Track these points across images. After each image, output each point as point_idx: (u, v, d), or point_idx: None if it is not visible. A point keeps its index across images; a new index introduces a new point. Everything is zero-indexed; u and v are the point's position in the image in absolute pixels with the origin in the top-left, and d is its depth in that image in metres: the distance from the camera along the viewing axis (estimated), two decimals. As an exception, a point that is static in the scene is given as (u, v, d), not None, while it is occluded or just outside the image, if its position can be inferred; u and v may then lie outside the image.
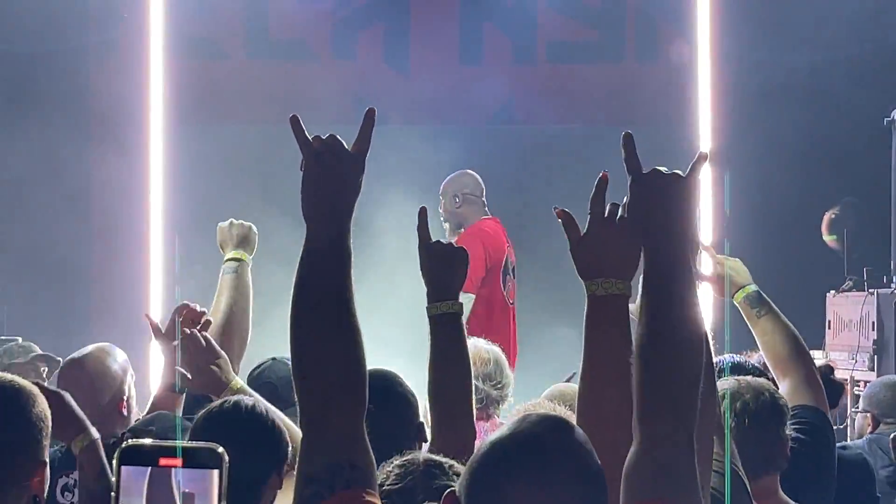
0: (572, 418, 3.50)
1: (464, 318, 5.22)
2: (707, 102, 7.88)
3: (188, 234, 7.79)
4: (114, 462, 1.32)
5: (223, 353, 3.12)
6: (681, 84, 8.01)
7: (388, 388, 3.01)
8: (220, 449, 1.32)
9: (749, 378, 3.07)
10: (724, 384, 2.97)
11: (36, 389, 2.40)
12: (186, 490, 1.30)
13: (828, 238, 7.73)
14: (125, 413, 3.64)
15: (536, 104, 8.35)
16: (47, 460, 2.36)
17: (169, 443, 1.32)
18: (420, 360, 2.93)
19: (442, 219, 6.93)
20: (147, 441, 1.34)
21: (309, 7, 8.20)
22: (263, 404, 2.73)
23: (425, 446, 3.52)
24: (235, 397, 2.75)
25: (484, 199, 6.96)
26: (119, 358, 3.80)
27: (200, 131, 7.92)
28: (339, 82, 8.28)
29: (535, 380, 4.49)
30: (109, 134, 7.92)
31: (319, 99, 8.15)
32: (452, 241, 6.29)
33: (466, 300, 6.44)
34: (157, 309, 7.72)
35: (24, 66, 7.94)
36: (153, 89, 7.88)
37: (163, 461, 1.30)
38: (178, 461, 1.30)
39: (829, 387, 3.56)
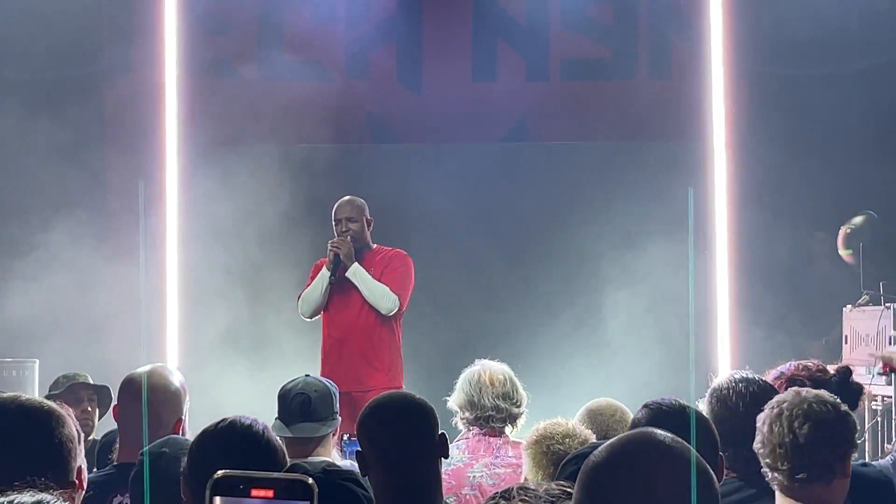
0: (591, 437, 3.52)
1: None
2: (721, 119, 7.87)
3: (204, 252, 7.82)
4: (206, 492, 1.34)
5: None
6: (694, 101, 8.00)
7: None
8: (311, 481, 1.34)
9: (813, 391, 3.09)
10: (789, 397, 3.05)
11: (65, 413, 2.44)
12: None
13: (843, 252, 7.71)
14: (181, 435, 3.55)
15: (550, 122, 8.36)
16: (76, 480, 2.39)
17: (262, 474, 1.34)
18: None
19: (350, 240, 6.39)
20: (239, 472, 1.36)
21: (322, 27, 8.23)
22: (261, 424, 2.74)
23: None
24: (231, 416, 2.75)
25: None
26: (178, 378, 3.76)
27: (215, 153, 7.94)
28: (352, 101, 8.29)
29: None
30: (125, 156, 7.95)
31: (333, 118, 8.17)
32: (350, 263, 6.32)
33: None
34: (174, 331, 7.74)
35: (40, 90, 7.98)
36: (168, 111, 7.92)
37: (254, 493, 1.33)
38: (270, 492, 1.33)
39: (848, 389, 3.57)
